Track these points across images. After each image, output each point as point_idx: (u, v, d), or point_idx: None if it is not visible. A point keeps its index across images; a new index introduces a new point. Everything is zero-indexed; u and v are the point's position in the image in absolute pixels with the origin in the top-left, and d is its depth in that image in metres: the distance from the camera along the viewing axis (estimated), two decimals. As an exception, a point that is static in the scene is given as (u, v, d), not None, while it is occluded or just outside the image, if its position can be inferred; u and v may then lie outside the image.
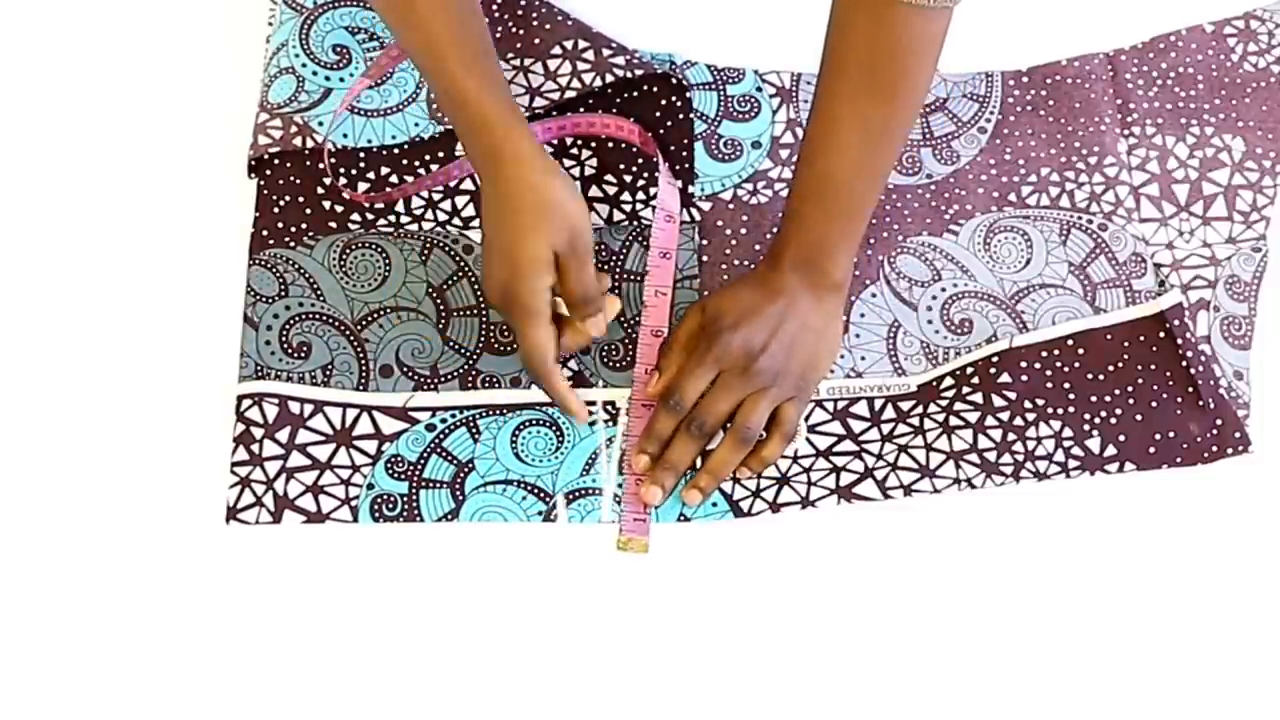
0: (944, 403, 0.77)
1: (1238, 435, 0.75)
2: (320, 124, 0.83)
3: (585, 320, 0.73)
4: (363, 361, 0.78)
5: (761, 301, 0.75)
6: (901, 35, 0.67)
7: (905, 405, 0.78)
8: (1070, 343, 0.77)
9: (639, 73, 0.84)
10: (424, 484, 0.74)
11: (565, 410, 0.74)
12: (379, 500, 0.74)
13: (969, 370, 0.78)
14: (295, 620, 0.71)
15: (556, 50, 0.85)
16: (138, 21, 0.90)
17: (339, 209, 0.82)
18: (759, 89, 0.88)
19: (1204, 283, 0.81)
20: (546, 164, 0.71)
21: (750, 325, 0.74)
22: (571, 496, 0.75)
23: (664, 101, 0.84)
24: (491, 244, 0.71)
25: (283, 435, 0.75)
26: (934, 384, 0.78)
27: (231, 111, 0.86)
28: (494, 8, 0.88)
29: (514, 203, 0.70)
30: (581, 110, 0.85)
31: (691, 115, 0.85)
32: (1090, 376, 0.76)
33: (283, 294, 0.79)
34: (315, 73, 0.84)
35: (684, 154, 0.84)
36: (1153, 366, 0.76)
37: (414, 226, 0.82)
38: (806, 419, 0.77)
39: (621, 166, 0.84)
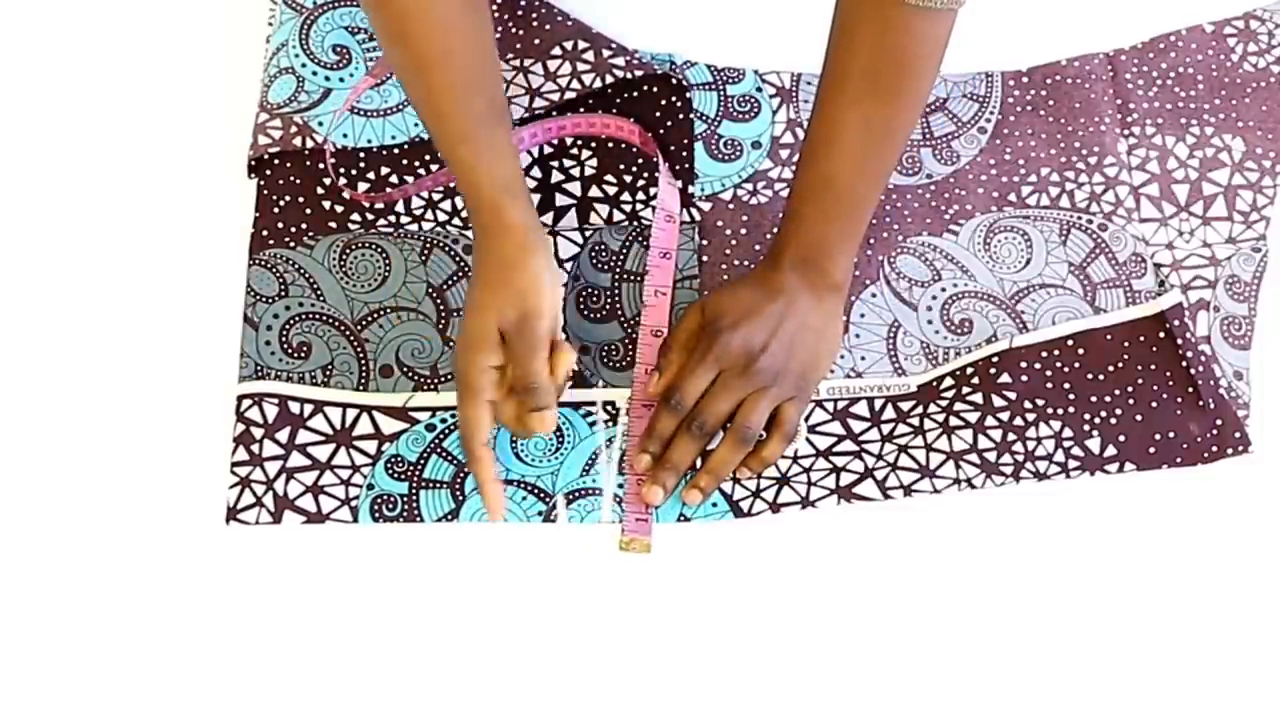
0: (944, 403, 0.77)
1: (1238, 435, 0.75)
2: (320, 124, 0.83)
3: (530, 412, 0.70)
4: (363, 361, 0.78)
5: (761, 301, 0.75)
6: (905, 37, 0.67)
7: (905, 405, 0.78)
8: (1070, 343, 0.77)
9: (639, 73, 0.84)
10: (424, 484, 0.74)
11: (482, 497, 0.71)
12: (379, 500, 0.74)
13: (969, 370, 0.78)
14: (295, 620, 0.71)
15: (556, 51, 0.85)
16: (138, 22, 0.90)
17: (339, 209, 0.82)
18: (759, 89, 0.88)
19: (1204, 283, 0.81)
20: (531, 241, 0.71)
21: (750, 325, 0.74)
22: (571, 497, 0.75)
23: (664, 101, 0.84)
24: (468, 304, 0.71)
25: (283, 435, 0.75)
26: (934, 384, 0.78)
27: (231, 111, 0.86)
28: (494, 8, 0.88)
29: (481, 274, 0.71)
30: (581, 110, 0.85)
31: (691, 115, 0.85)
32: (1090, 376, 0.76)
33: (283, 294, 0.79)
34: (315, 73, 0.84)
35: (684, 154, 0.84)
36: (1153, 366, 0.76)
37: (414, 226, 0.82)
38: (806, 419, 0.77)
39: (621, 166, 0.84)
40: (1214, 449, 0.75)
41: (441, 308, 0.80)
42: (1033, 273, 0.82)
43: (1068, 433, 0.75)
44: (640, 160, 0.84)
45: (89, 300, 0.80)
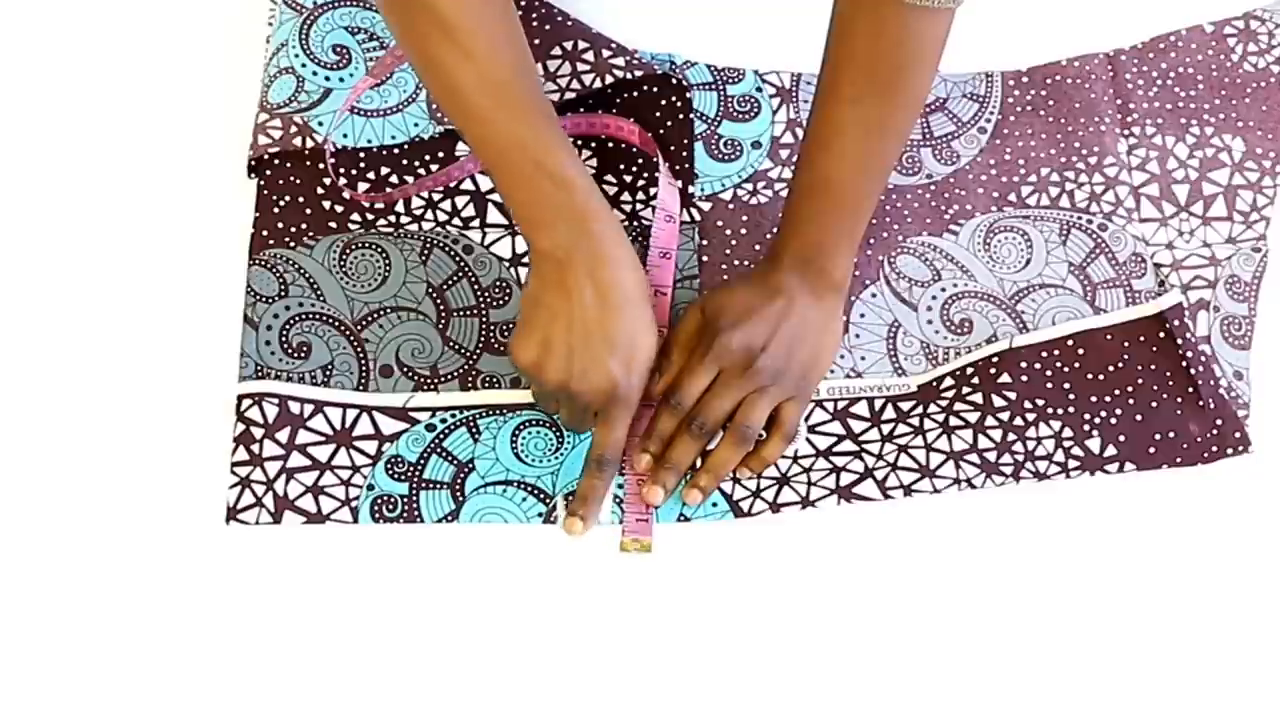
0: (944, 403, 0.77)
1: (1238, 435, 0.75)
2: (320, 124, 0.83)
3: (596, 469, 0.72)
4: (363, 361, 0.78)
5: (761, 301, 0.75)
6: (903, 36, 0.67)
7: (905, 405, 0.78)
8: (1070, 343, 0.77)
9: (639, 73, 0.84)
10: (424, 485, 0.74)
11: (579, 510, 0.72)
12: (379, 501, 0.74)
13: (969, 370, 0.78)
14: (296, 621, 0.71)
15: (556, 51, 0.85)
16: (138, 22, 0.90)
17: (339, 209, 0.82)
18: (759, 89, 0.88)
19: (1204, 283, 0.81)
20: (628, 240, 0.71)
21: (750, 324, 0.74)
22: (571, 497, 0.74)
23: (664, 102, 0.84)
24: (589, 330, 0.69)
25: (283, 435, 0.75)
26: (934, 384, 0.78)
27: (231, 111, 0.86)
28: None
29: (624, 291, 0.69)
30: (581, 110, 0.85)
31: (691, 115, 0.85)
32: (1090, 376, 0.76)
33: (283, 294, 0.79)
34: (315, 73, 0.84)
35: (684, 154, 0.84)
36: (1153, 366, 0.76)
37: (414, 226, 0.82)
38: (806, 419, 0.77)
39: (621, 166, 0.84)
40: (1214, 449, 0.75)
41: (442, 308, 0.80)
42: (1033, 273, 0.82)
43: (1068, 433, 0.75)
44: (640, 160, 0.84)
45: (89, 300, 0.80)
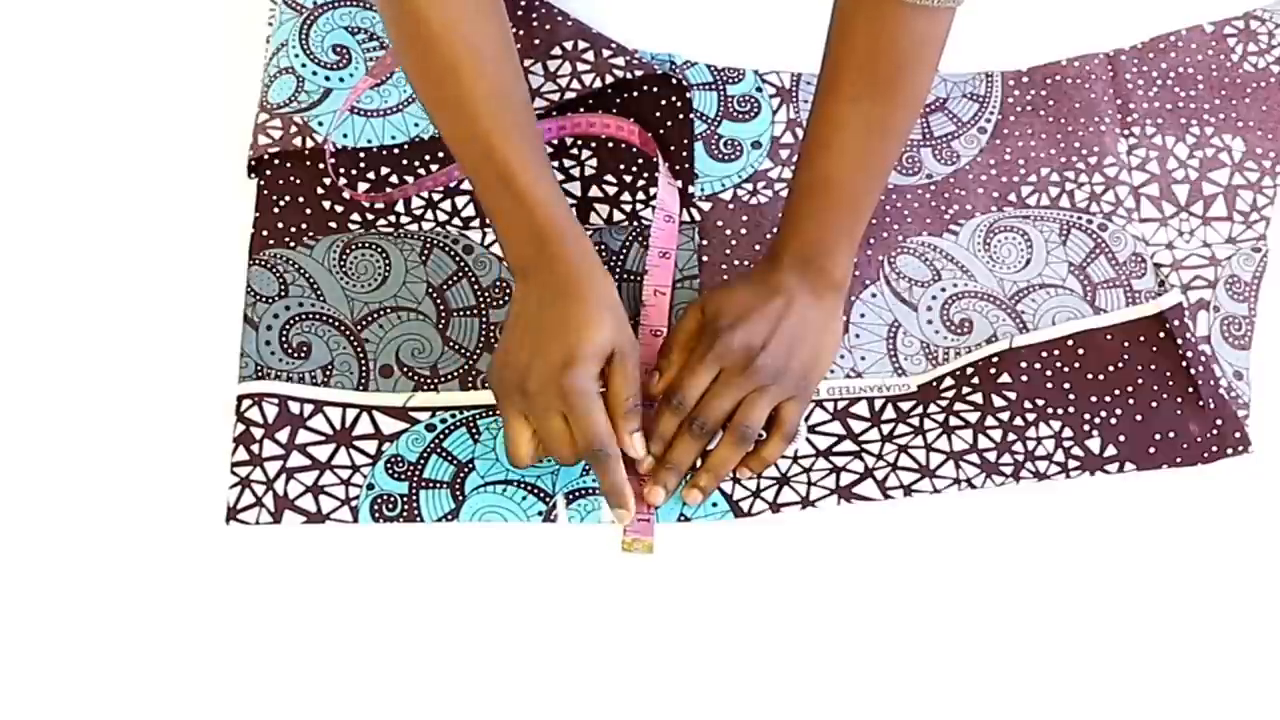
0: (944, 403, 0.77)
1: (1238, 435, 0.75)
2: (320, 124, 0.83)
3: (630, 435, 0.71)
4: (363, 361, 0.78)
5: (761, 300, 0.75)
6: (903, 35, 0.67)
7: (905, 405, 0.78)
8: (1070, 343, 0.77)
9: (639, 73, 0.84)
10: (424, 484, 0.74)
11: (613, 503, 0.70)
12: (379, 500, 0.74)
13: (969, 370, 0.78)
14: (296, 620, 0.71)
15: (556, 51, 0.85)
16: (138, 22, 0.90)
17: (339, 209, 0.82)
18: (759, 89, 0.88)
19: (1204, 283, 0.81)
20: (597, 258, 0.71)
21: (750, 323, 0.74)
22: (571, 496, 0.74)
23: (664, 101, 0.84)
24: (540, 328, 0.69)
25: (283, 435, 0.75)
26: (934, 384, 0.78)
27: (231, 111, 0.86)
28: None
29: (576, 288, 0.69)
30: (581, 110, 0.85)
31: (691, 115, 0.85)
32: (1090, 376, 0.76)
33: (283, 294, 0.79)
34: (315, 73, 0.84)
35: (684, 154, 0.84)
36: (1153, 367, 0.76)
37: (414, 226, 0.82)
38: (806, 419, 0.77)
39: (621, 166, 0.84)
40: (1214, 449, 0.75)
41: (441, 308, 0.80)
42: (1033, 273, 0.82)
43: (1068, 433, 0.75)
44: (640, 160, 0.84)
45: (89, 300, 0.80)
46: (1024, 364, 0.77)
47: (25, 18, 0.90)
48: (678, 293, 0.81)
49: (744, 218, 0.84)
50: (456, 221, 0.82)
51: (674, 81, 0.85)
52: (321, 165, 0.82)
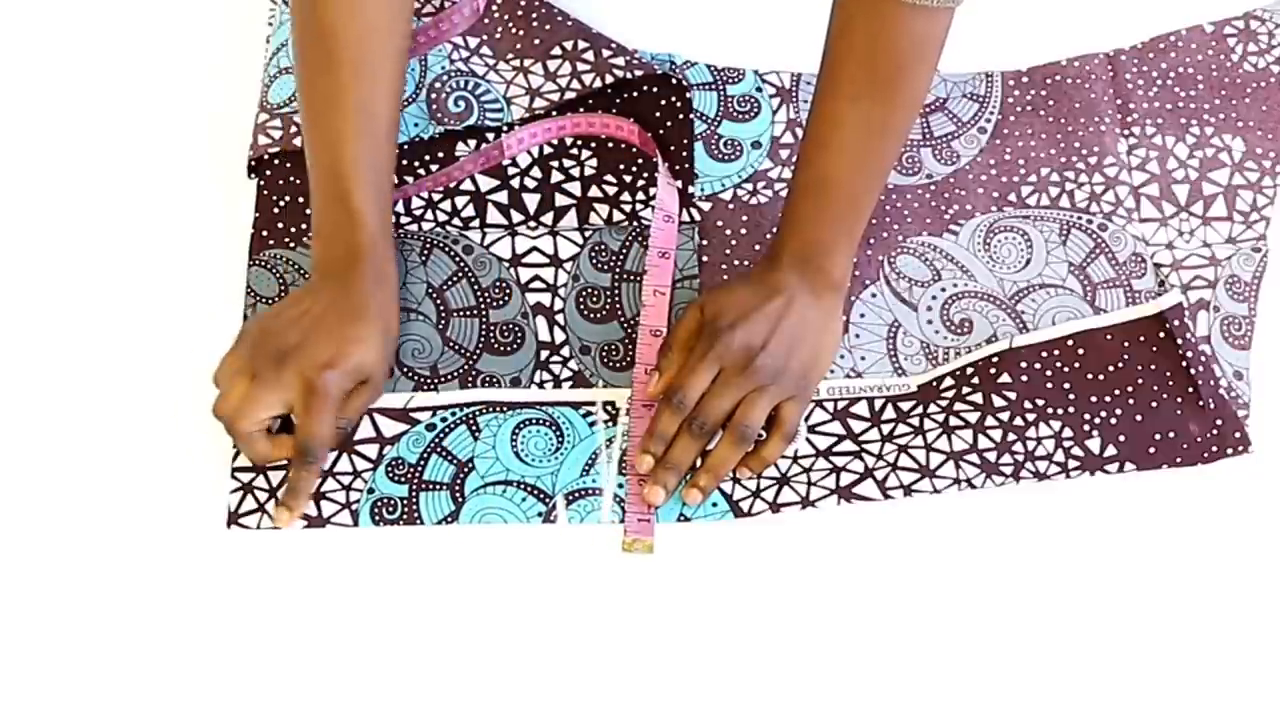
0: (944, 403, 0.77)
1: (1238, 435, 0.75)
2: (320, 124, 0.83)
3: (301, 460, 0.71)
4: (363, 362, 0.78)
5: (761, 300, 0.75)
6: (902, 35, 0.67)
7: (905, 405, 0.78)
8: (1070, 343, 0.77)
9: (639, 73, 0.84)
10: (424, 486, 0.74)
11: (287, 500, 0.71)
12: (379, 504, 0.74)
13: (969, 370, 0.78)
14: (297, 624, 0.71)
15: (556, 51, 0.85)
16: (138, 22, 0.90)
17: (339, 209, 0.82)
18: (759, 89, 0.88)
19: (1204, 283, 0.81)
20: (397, 287, 0.75)
21: (750, 323, 0.74)
22: (571, 497, 0.74)
23: (664, 101, 0.84)
24: (320, 323, 0.70)
25: (284, 441, 0.75)
26: (934, 384, 0.78)
27: (231, 111, 0.86)
28: (494, 8, 0.88)
29: (365, 309, 0.71)
30: (581, 110, 0.85)
31: (691, 115, 0.85)
32: (1090, 376, 0.76)
33: (282, 294, 0.79)
34: (315, 73, 0.84)
35: (684, 154, 0.84)
36: (1153, 366, 0.76)
37: (414, 227, 0.82)
38: (806, 419, 0.77)
39: (621, 166, 0.84)
40: (1214, 449, 0.75)
41: (441, 308, 0.80)
42: (1033, 273, 0.82)
43: (1068, 433, 0.75)
44: (640, 160, 0.84)
45: (89, 301, 0.80)
46: (1024, 364, 0.77)
47: (25, 18, 0.90)
48: (678, 293, 0.81)
49: (744, 218, 0.84)
50: (456, 222, 0.82)
51: (674, 81, 0.85)
52: (321, 165, 0.82)
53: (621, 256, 0.82)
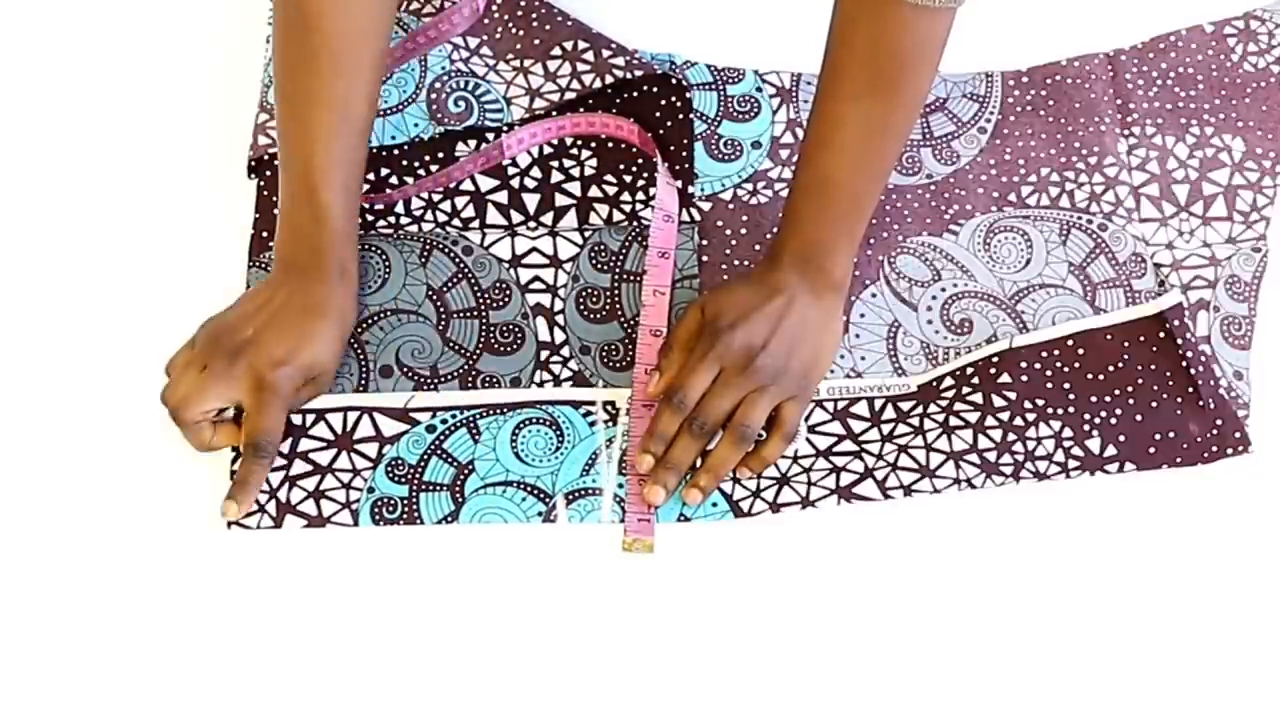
0: (944, 403, 0.77)
1: (1238, 435, 0.75)
2: (320, 124, 0.83)
3: (252, 454, 0.71)
4: (363, 362, 0.78)
5: (761, 300, 0.75)
6: (904, 35, 0.67)
7: (905, 405, 0.78)
8: (1070, 343, 0.77)
9: (639, 73, 0.84)
10: (424, 487, 0.74)
11: (235, 494, 0.71)
12: (379, 504, 0.74)
13: (969, 370, 0.78)
14: (297, 624, 0.71)
15: (556, 51, 0.85)
16: (138, 22, 0.90)
17: (339, 209, 0.82)
18: (759, 89, 0.88)
19: (1204, 283, 0.81)
20: (355, 285, 0.76)
21: (750, 323, 0.74)
22: (571, 497, 0.74)
23: (664, 101, 0.84)
24: (275, 319, 0.72)
25: (284, 445, 0.75)
26: (934, 384, 0.78)
27: (231, 111, 0.86)
28: (494, 8, 0.88)
29: (324, 307, 0.73)
30: (581, 110, 0.85)
31: (691, 115, 0.85)
32: (1090, 376, 0.76)
33: (283, 295, 0.79)
34: (315, 73, 0.84)
35: (684, 154, 0.84)
36: (1153, 367, 0.76)
37: (414, 228, 0.82)
38: (806, 419, 0.77)
39: (621, 166, 0.84)
40: (1214, 449, 0.75)
41: (441, 310, 0.80)
42: (1033, 273, 0.82)
43: (1068, 433, 0.75)
44: (640, 160, 0.84)
45: (89, 301, 0.80)
46: (1024, 364, 0.77)
47: (25, 18, 0.90)
48: (678, 293, 0.81)
49: (744, 218, 0.84)
50: (456, 222, 0.82)
51: (674, 81, 0.85)
52: (321, 166, 0.82)
53: (621, 256, 0.82)
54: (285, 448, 0.75)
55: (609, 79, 0.83)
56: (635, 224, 0.83)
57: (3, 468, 0.75)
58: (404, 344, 0.78)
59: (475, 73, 0.86)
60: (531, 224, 0.82)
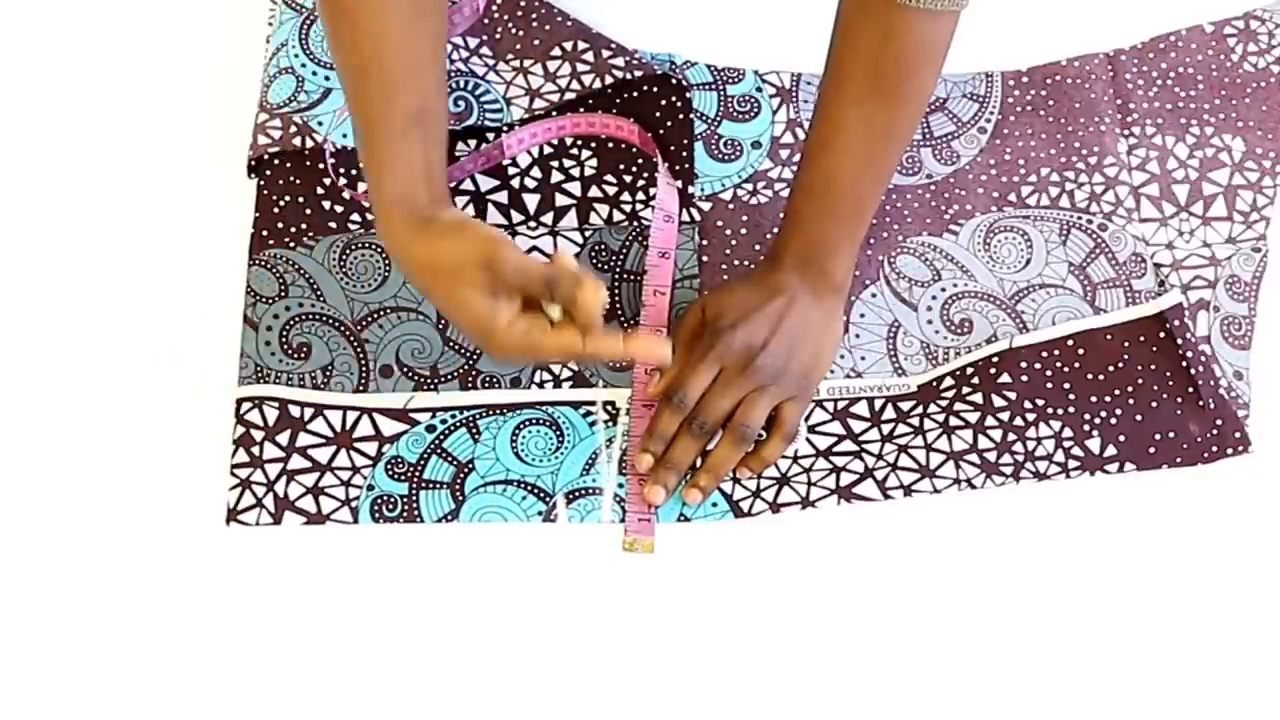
0: (944, 403, 0.77)
1: (1238, 435, 0.75)
2: (320, 124, 0.83)
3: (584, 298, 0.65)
4: (363, 362, 0.78)
5: (762, 300, 0.75)
6: (907, 38, 0.67)
7: (905, 405, 0.78)
8: (1070, 343, 0.77)
9: (639, 73, 0.84)
10: (424, 485, 0.74)
11: (609, 355, 0.66)
12: (379, 501, 0.74)
13: (969, 370, 0.78)
14: (296, 621, 0.71)
15: (556, 51, 0.85)
16: (138, 21, 0.90)
17: (339, 209, 0.82)
18: (759, 89, 0.88)
19: (1204, 283, 0.81)
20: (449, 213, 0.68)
21: (751, 323, 0.74)
22: (571, 496, 0.74)
23: (664, 101, 0.84)
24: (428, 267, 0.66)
25: (283, 438, 0.75)
26: (934, 384, 0.78)
27: (231, 111, 0.86)
28: (494, 8, 0.88)
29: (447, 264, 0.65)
30: (581, 110, 0.85)
31: (691, 115, 0.85)
32: (1090, 376, 0.76)
33: (283, 294, 0.79)
34: (315, 73, 0.84)
35: (684, 154, 0.84)
36: (1153, 367, 0.76)
37: (414, 227, 0.82)
38: (806, 419, 0.77)
39: (621, 166, 0.84)
40: (1214, 449, 0.75)
41: (442, 308, 0.80)
42: (1033, 273, 0.82)
43: (1068, 433, 0.75)
44: (640, 160, 0.84)
45: (89, 301, 0.80)
46: (1024, 364, 0.77)
47: (25, 18, 0.90)
48: (678, 293, 0.81)
49: (744, 218, 0.84)
50: (456, 222, 0.82)
51: (674, 81, 0.85)
52: (321, 165, 0.82)
53: (621, 256, 0.82)
54: (284, 440, 0.75)
55: (609, 79, 0.83)
56: (635, 224, 0.83)
57: (2, 466, 0.75)
58: (404, 343, 0.78)
59: (475, 73, 0.86)
60: (532, 224, 0.82)
